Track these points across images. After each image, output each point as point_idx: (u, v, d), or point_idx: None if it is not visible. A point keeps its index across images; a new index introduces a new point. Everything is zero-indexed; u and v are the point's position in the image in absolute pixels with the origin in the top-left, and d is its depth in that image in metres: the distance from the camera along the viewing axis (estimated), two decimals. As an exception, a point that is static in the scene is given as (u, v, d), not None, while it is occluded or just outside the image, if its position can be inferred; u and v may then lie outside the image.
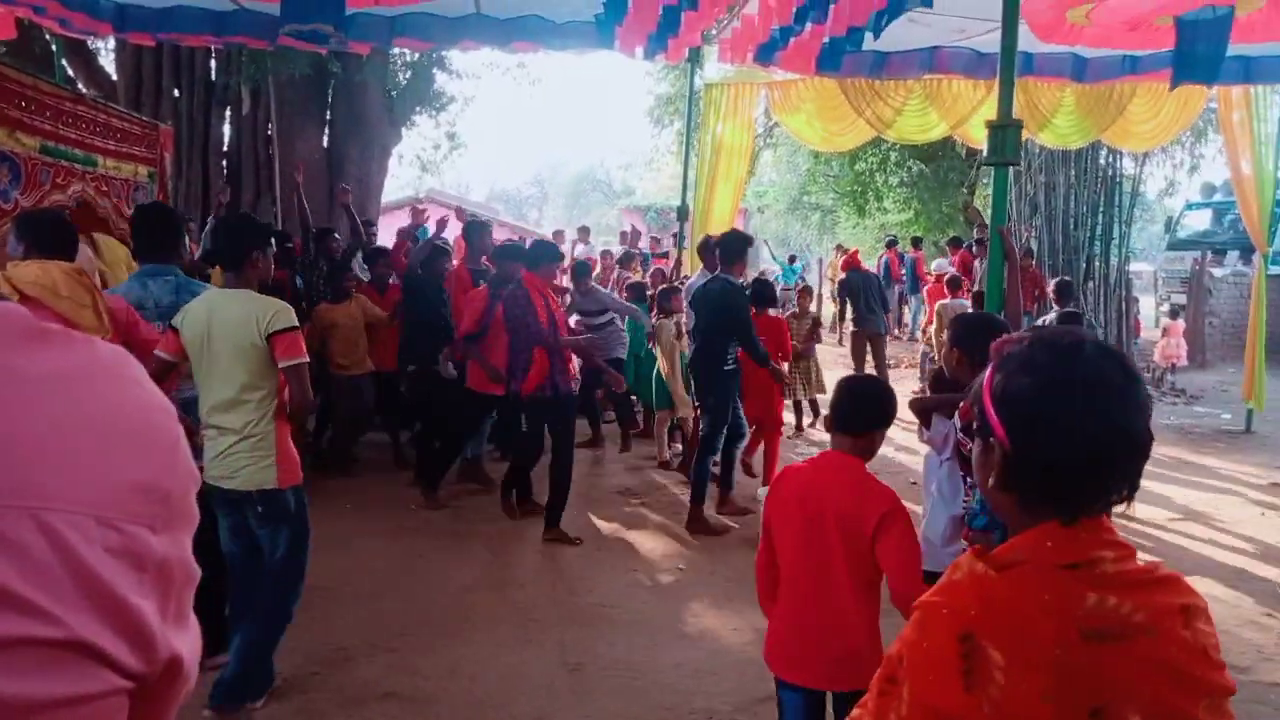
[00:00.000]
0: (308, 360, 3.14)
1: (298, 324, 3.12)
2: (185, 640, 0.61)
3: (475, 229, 6.45)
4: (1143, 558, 1.08)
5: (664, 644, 3.97)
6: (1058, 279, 8.00)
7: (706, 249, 6.24)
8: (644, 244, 13.99)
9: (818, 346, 8.23)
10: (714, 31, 6.48)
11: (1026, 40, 4.80)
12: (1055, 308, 7.15)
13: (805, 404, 8.23)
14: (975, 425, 1.15)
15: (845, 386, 2.56)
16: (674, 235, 9.40)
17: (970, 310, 7.16)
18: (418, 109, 11.32)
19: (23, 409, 0.53)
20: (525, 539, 5.27)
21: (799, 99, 8.09)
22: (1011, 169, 3.44)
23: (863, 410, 2.46)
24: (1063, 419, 1.03)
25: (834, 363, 11.09)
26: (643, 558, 5.07)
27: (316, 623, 4.04)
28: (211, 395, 3.10)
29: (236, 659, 3.18)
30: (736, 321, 5.27)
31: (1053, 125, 8.28)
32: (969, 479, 3.00)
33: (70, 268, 3.01)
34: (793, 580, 2.39)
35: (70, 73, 9.10)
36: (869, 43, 5.41)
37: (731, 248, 5.45)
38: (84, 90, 8.27)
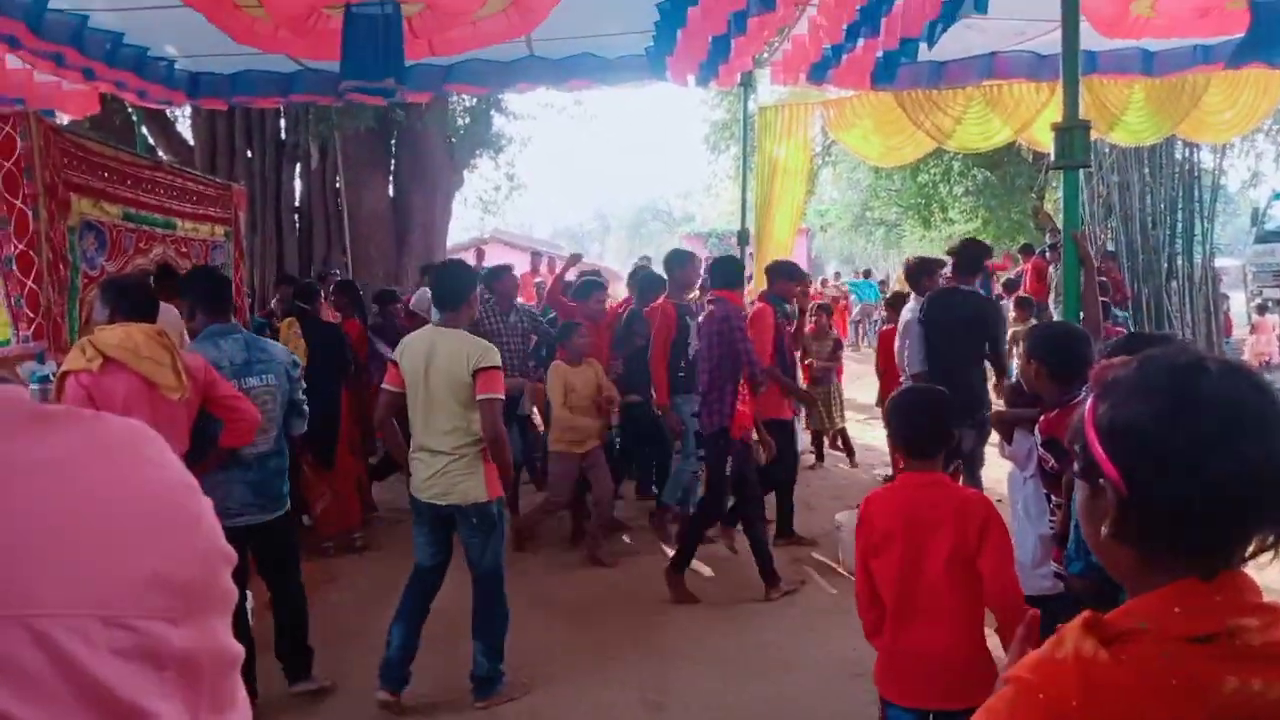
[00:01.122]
0: (501, 397, 3.52)
1: (500, 364, 3.53)
2: None
3: (677, 259, 5.96)
4: None
5: (745, 678, 3.89)
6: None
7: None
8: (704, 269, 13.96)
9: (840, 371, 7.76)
10: (765, 55, 6.47)
11: (1089, 38, 4.65)
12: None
13: (825, 436, 7.67)
14: (1078, 466, 0.96)
15: (897, 407, 2.51)
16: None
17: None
18: (478, 152, 11.58)
19: (13, 503, 0.48)
20: (598, 573, 5.24)
21: (854, 115, 8.01)
22: (1082, 171, 3.32)
23: (933, 432, 2.43)
24: (1192, 451, 0.85)
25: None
26: (717, 589, 4.99)
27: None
28: (427, 421, 3.49)
29: (484, 660, 3.65)
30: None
31: (1124, 123, 8.00)
32: (1052, 497, 2.87)
33: (151, 329, 3.13)
34: (900, 605, 2.37)
35: (150, 141, 9.57)
36: (924, 53, 5.33)
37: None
38: (163, 157, 8.68)
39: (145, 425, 0.58)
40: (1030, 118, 7.82)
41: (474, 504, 3.50)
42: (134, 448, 0.56)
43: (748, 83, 7.45)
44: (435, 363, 3.46)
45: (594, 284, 6.31)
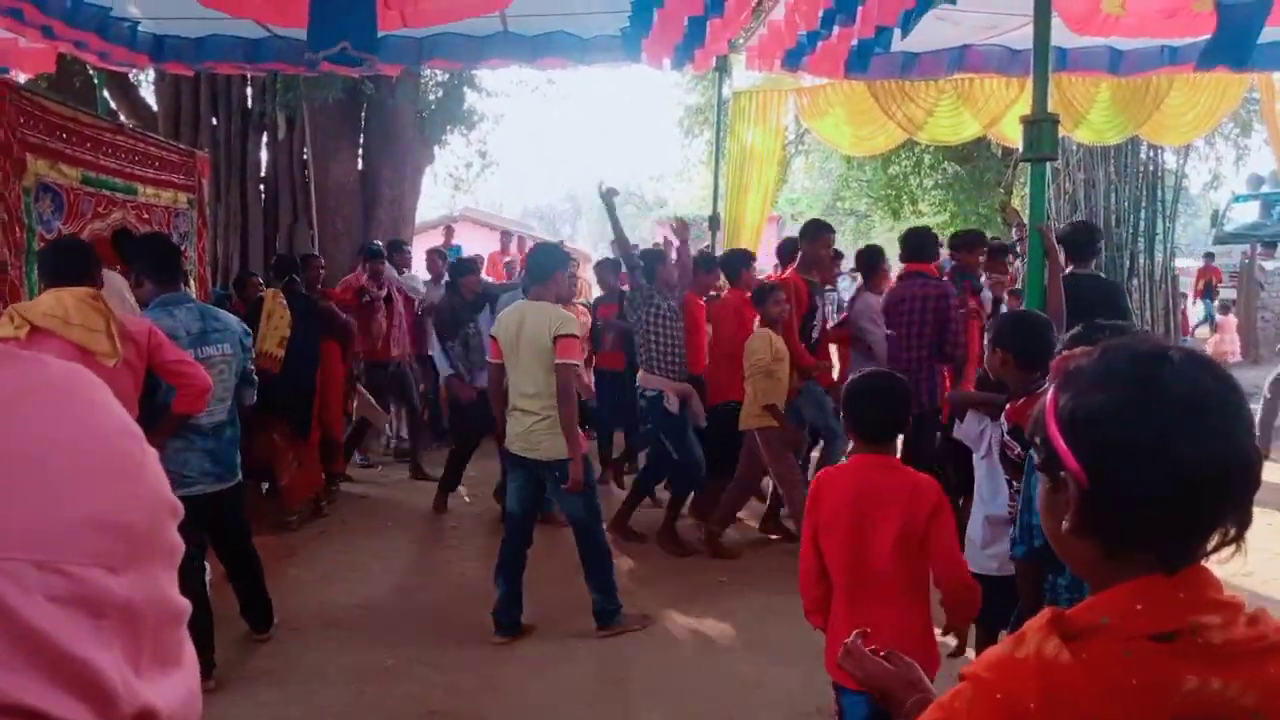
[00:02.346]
0: (576, 362, 3.89)
1: (578, 333, 3.90)
2: (166, 686, 0.54)
3: (809, 231, 5.64)
4: None
5: (708, 657, 3.92)
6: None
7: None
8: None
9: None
10: (741, 39, 6.46)
11: (1060, 35, 4.70)
12: None
13: None
14: (1039, 459, 0.94)
15: (862, 391, 2.50)
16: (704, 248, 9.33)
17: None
18: (449, 128, 11.42)
19: None
20: (555, 554, 5.24)
21: (827, 103, 8.04)
22: (1049, 166, 3.36)
23: (889, 416, 2.48)
24: (1155, 441, 0.83)
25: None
26: (682, 570, 5.02)
27: (358, 640, 4.05)
28: (518, 384, 3.89)
29: (598, 596, 4.06)
30: None
31: (1088, 121, 8.12)
32: (1014, 483, 2.93)
33: (84, 293, 3.06)
34: (847, 586, 2.40)
35: (112, 105, 9.32)
36: (898, 43, 5.36)
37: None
38: (125, 121, 8.47)
39: (87, 370, 0.55)
40: (1000, 113, 7.91)
41: (556, 460, 3.86)
42: (73, 390, 0.53)
43: (723, 67, 7.44)
44: (524, 332, 3.86)
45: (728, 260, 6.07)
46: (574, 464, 3.85)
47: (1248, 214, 16.08)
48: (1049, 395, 0.93)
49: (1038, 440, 0.94)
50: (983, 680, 0.88)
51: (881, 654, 1.27)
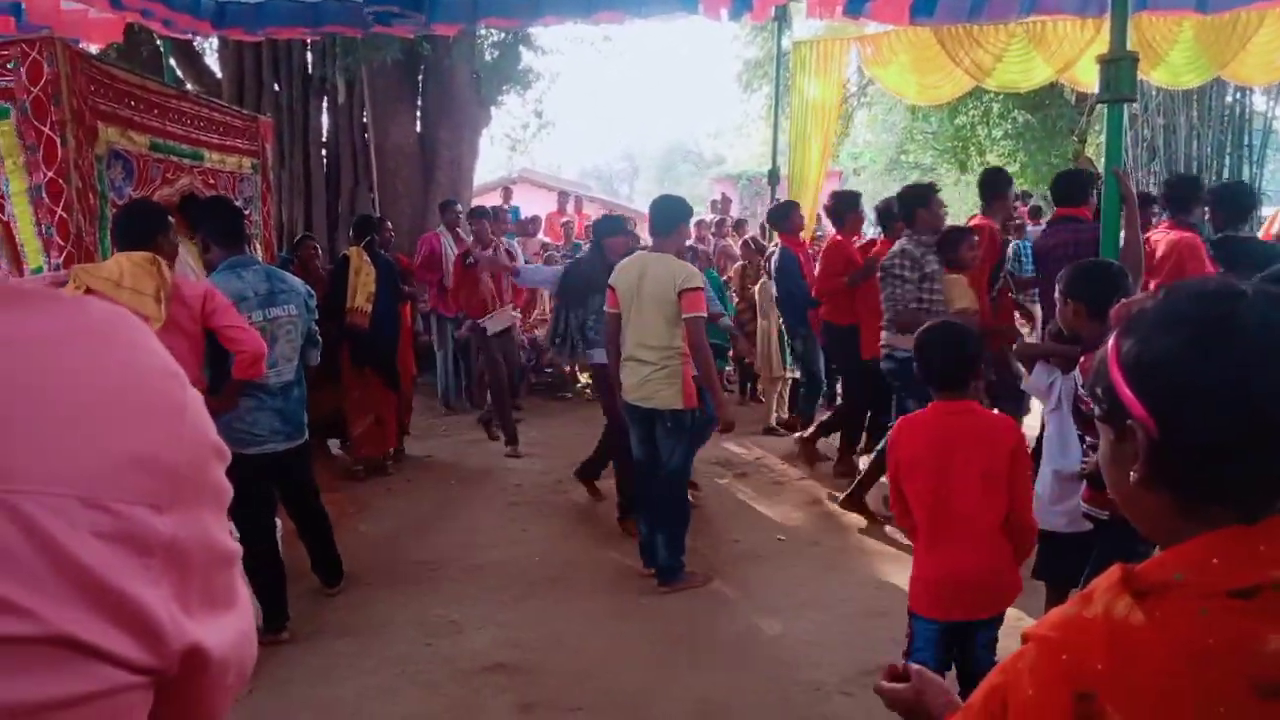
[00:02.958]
0: (705, 315, 3.95)
1: (702, 285, 3.95)
2: (215, 627, 0.55)
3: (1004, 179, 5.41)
4: None
5: (768, 615, 3.92)
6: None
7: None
8: (734, 210, 13.81)
9: None
10: (801, -13, 6.27)
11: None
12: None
13: None
14: (1101, 410, 0.89)
15: (931, 342, 2.62)
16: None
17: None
18: (505, 88, 11.39)
19: None
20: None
21: (891, 51, 7.78)
22: (1127, 110, 3.19)
23: (958, 364, 2.59)
24: (1228, 381, 0.77)
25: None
26: (743, 527, 5.02)
27: (425, 595, 4.15)
28: (636, 334, 3.98)
29: (664, 551, 4.08)
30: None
31: (1167, 62, 7.70)
32: (1087, 439, 2.84)
33: (141, 257, 3.13)
34: (930, 525, 2.55)
35: (178, 73, 9.51)
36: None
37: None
38: (190, 88, 8.64)
39: (129, 313, 0.56)
40: (1074, 56, 7.55)
41: (670, 410, 3.98)
42: (115, 332, 0.53)
43: (782, 17, 7.25)
44: (645, 283, 3.94)
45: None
46: (720, 408, 4.11)
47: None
48: (1110, 342, 0.89)
49: (1099, 390, 0.89)
50: (1048, 640, 0.83)
51: (911, 670, 1.24)
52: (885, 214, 5.79)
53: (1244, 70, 7.91)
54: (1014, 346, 3.78)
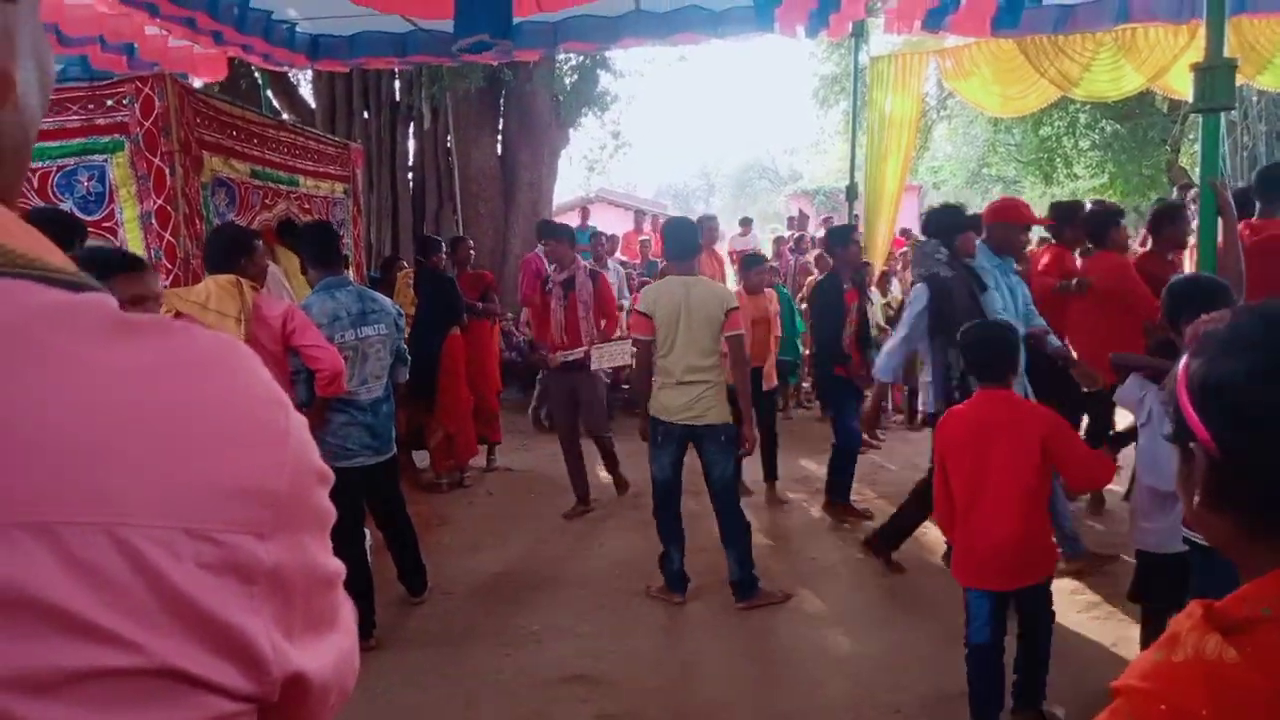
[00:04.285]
0: (743, 332, 4.19)
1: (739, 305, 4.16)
2: (317, 651, 0.56)
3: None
4: None
5: (845, 634, 3.88)
6: None
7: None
8: (812, 227, 13.73)
9: None
10: (878, 2, 6.24)
11: (1237, -27, 4.30)
12: None
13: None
14: (1171, 429, 0.90)
15: (974, 341, 3.03)
16: (825, 218, 9.08)
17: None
18: (583, 110, 11.61)
19: (95, 408, 0.47)
20: (700, 527, 5.29)
21: (973, 64, 7.65)
22: (1224, 118, 3.08)
23: (996, 359, 2.95)
24: None
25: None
26: (821, 545, 4.97)
27: (505, 605, 4.23)
28: (686, 357, 4.05)
29: (736, 567, 4.16)
30: None
31: (1274, 65, 7.37)
32: None
33: (226, 279, 3.32)
34: (968, 499, 2.89)
35: (275, 103, 9.97)
36: (1050, -4, 5.04)
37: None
38: (286, 118, 9.05)
39: (236, 340, 0.57)
40: (1166, 63, 7.29)
41: (723, 424, 4.09)
42: (221, 360, 0.53)
43: (859, 33, 7.21)
44: (693, 306, 4.03)
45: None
46: (747, 424, 4.15)
47: None
48: (1182, 362, 0.89)
49: (1170, 410, 0.90)
50: (1142, 692, 0.80)
51: None
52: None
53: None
54: (1111, 354, 3.69)
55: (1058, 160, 17.16)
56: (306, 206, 4.93)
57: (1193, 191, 11.81)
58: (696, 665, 3.63)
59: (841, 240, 5.64)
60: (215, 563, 0.48)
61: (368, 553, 4.00)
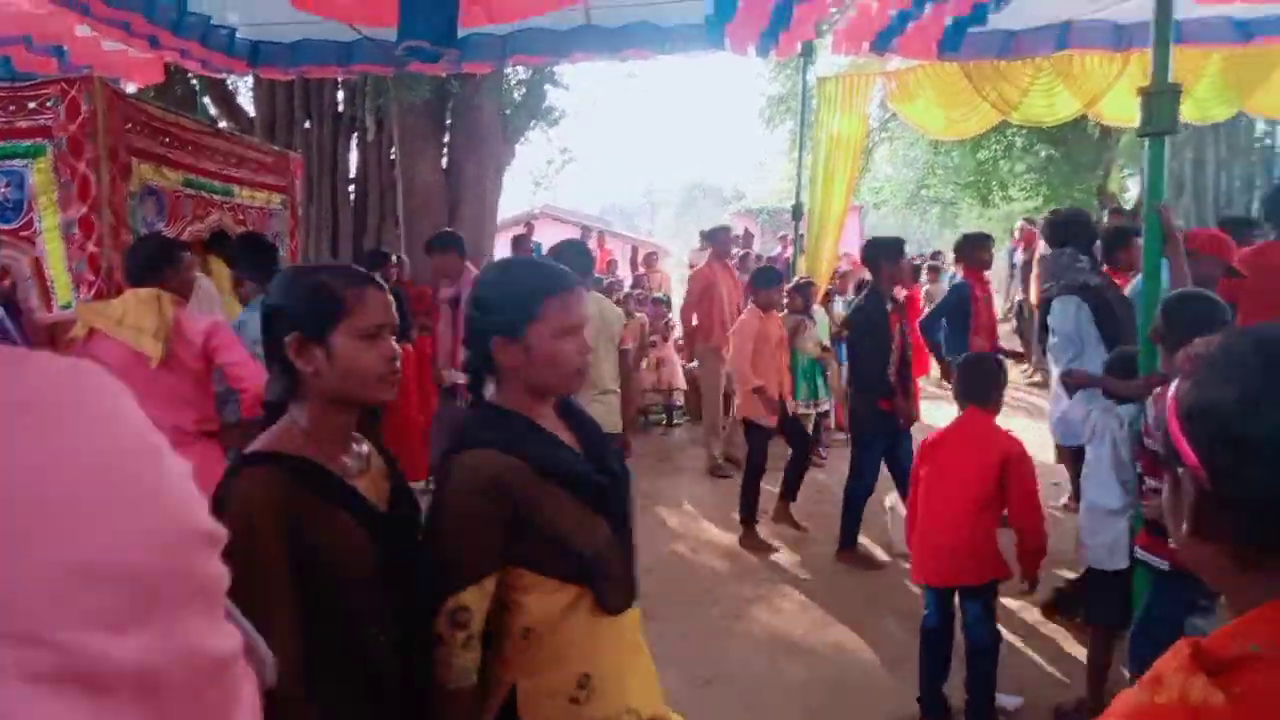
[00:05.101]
0: (631, 348, 4.43)
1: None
2: None
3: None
4: None
5: (795, 658, 3.83)
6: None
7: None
8: (757, 245, 13.85)
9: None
10: (827, 24, 6.30)
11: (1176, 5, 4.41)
12: None
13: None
14: (1161, 453, 0.87)
15: (974, 365, 3.40)
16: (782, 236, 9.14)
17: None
18: (530, 124, 11.53)
19: None
20: (645, 550, 5.21)
21: (918, 86, 7.77)
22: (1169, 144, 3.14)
23: (972, 384, 3.27)
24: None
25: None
26: (769, 569, 4.92)
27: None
28: (604, 369, 4.16)
29: None
30: None
31: (1193, 96, 7.62)
32: (1149, 480, 2.76)
33: (146, 293, 3.14)
34: (925, 505, 3.20)
35: (213, 111, 9.69)
36: (994, 21, 5.13)
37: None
38: (223, 125, 8.79)
39: (100, 371, 0.45)
40: (1101, 90, 7.51)
41: (618, 434, 4.22)
42: (73, 402, 0.42)
43: (808, 53, 7.27)
44: (605, 320, 4.20)
45: None
46: (628, 432, 4.37)
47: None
48: (1174, 386, 0.85)
49: (1160, 434, 0.87)
50: None
51: None
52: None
53: (1268, 101, 7.82)
54: (1062, 372, 3.75)
55: (994, 183, 17.62)
56: (241, 217, 4.74)
57: (1108, 214, 12.16)
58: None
59: (889, 254, 4.97)
60: (49, 672, 0.37)
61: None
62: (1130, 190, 16.38)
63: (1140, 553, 2.78)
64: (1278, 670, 0.71)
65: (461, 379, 5.03)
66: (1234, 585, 0.80)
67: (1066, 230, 4.22)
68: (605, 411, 4.15)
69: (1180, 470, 0.82)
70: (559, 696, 1.51)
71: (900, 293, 8.83)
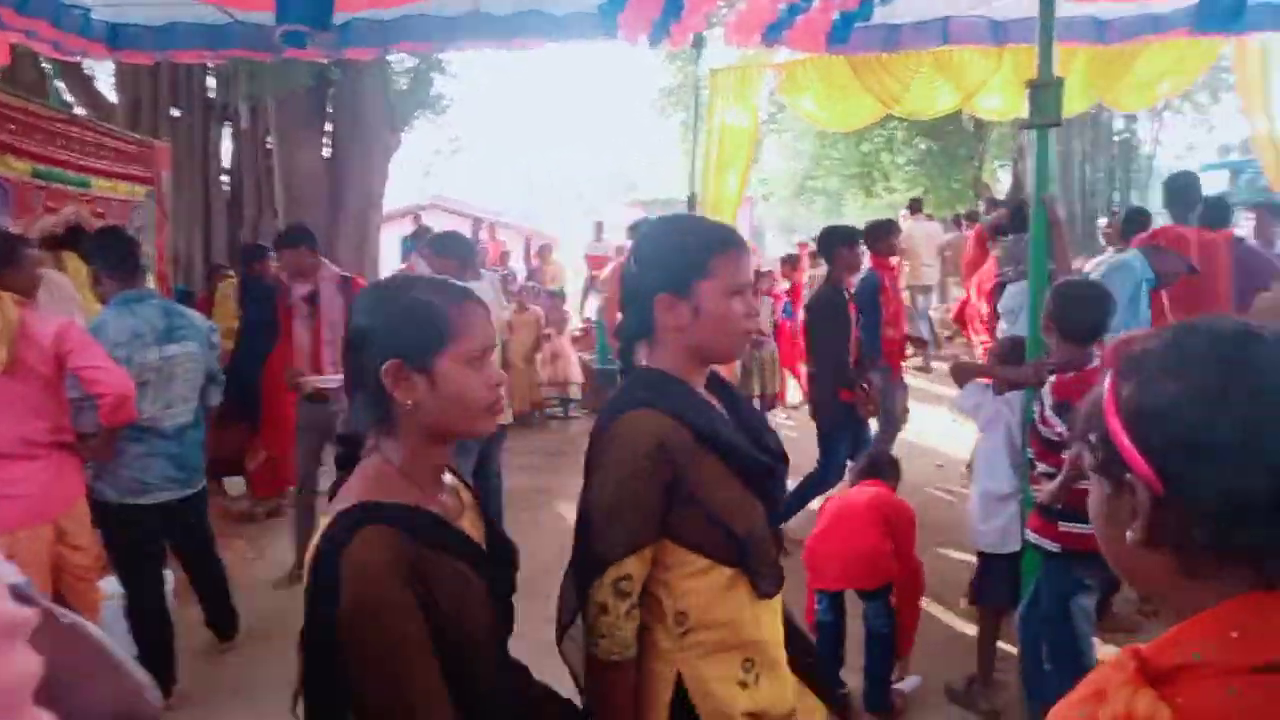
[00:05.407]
0: None
1: None
2: None
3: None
4: None
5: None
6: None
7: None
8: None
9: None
10: (718, 15, 6.31)
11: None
12: None
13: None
14: (1095, 459, 0.81)
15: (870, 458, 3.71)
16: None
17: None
18: (417, 113, 11.19)
19: None
20: (543, 547, 5.11)
21: (807, 79, 7.89)
22: (1030, 135, 3.25)
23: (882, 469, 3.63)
24: (1245, 434, 0.70)
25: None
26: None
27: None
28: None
29: None
30: None
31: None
32: (1040, 465, 2.83)
33: None
34: (828, 521, 3.42)
35: (68, 96, 8.99)
36: (880, 16, 5.24)
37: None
38: (80, 111, 8.17)
39: None
40: (978, 86, 7.80)
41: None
42: None
43: (700, 44, 7.28)
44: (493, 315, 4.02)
45: None
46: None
47: (1217, 183, 16.16)
48: (1107, 384, 0.80)
49: (1093, 438, 0.81)
50: None
51: None
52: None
53: (1122, 97, 8.28)
54: (951, 365, 3.84)
55: (877, 174, 18.21)
56: (101, 210, 4.39)
57: (984, 204, 12.71)
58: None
59: (847, 242, 4.93)
60: None
61: (168, 597, 3.59)
62: (1002, 181, 17.18)
63: (1031, 536, 2.86)
64: (1219, 679, 0.68)
65: (331, 384, 4.46)
66: (1177, 593, 0.76)
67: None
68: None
69: (1127, 477, 0.76)
70: (728, 682, 1.42)
71: (781, 283, 9.02)
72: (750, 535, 1.44)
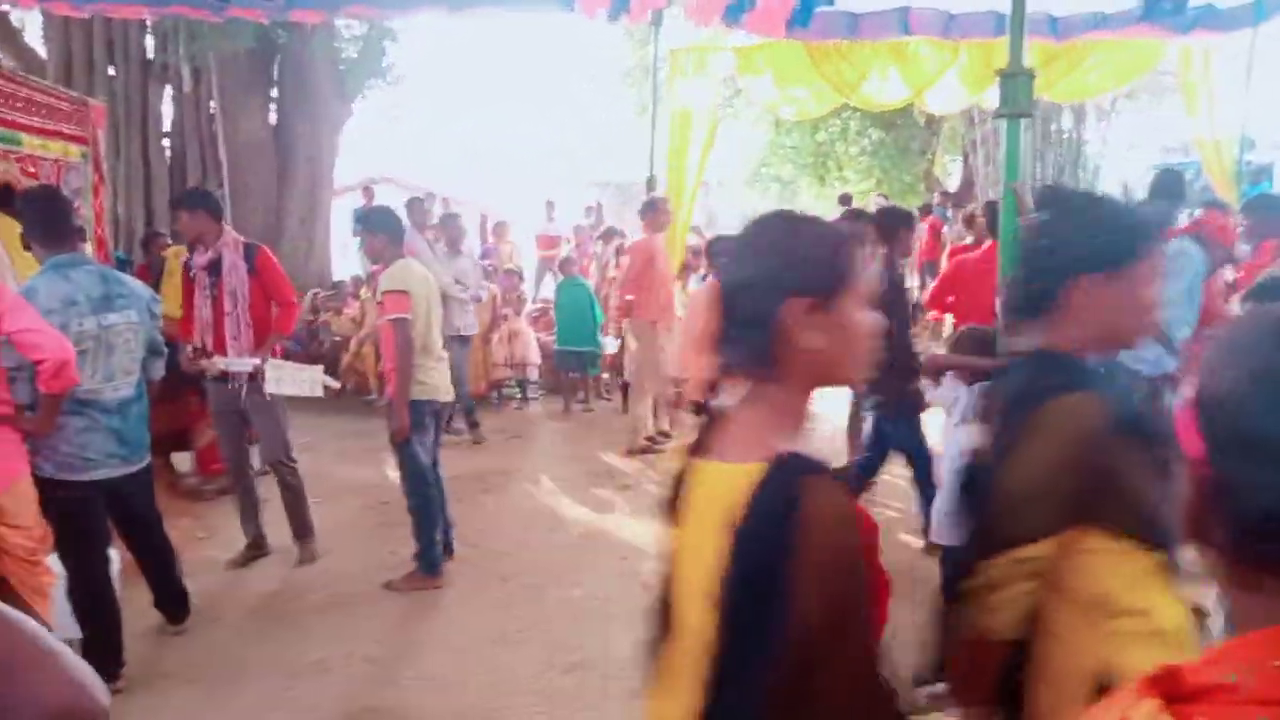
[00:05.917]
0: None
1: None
2: None
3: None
4: None
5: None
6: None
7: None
8: (608, 217, 13.74)
9: None
10: (679, -7, 6.22)
11: (999, 2, 4.62)
12: None
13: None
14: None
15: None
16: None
17: None
18: (368, 83, 10.89)
19: None
20: (502, 530, 5.04)
21: (764, 64, 7.85)
22: (1023, 127, 3.22)
23: None
24: None
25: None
26: (635, 547, 4.86)
27: (284, 630, 3.79)
28: (437, 335, 4.29)
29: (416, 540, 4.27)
30: None
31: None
32: None
33: None
34: None
35: (-7, 50, 8.56)
36: (842, 3, 5.22)
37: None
38: (7, 64, 7.77)
39: None
40: (933, 78, 7.83)
41: (451, 401, 4.58)
42: None
43: (658, 21, 7.20)
44: (432, 289, 4.25)
45: None
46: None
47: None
48: (1188, 383, 0.77)
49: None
50: None
51: None
52: None
53: (1063, 89, 8.38)
54: (922, 358, 3.82)
55: (831, 164, 18.31)
56: (31, 169, 4.16)
57: (938, 196, 12.86)
58: (500, 683, 3.39)
59: (907, 223, 4.69)
60: None
61: (114, 578, 3.43)
62: (953, 174, 17.42)
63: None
64: (1248, 706, 0.62)
65: (241, 369, 4.26)
66: (1236, 601, 0.71)
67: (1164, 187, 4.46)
68: (442, 376, 4.30)
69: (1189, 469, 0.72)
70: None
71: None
72: (1169, 521, 1.38)
